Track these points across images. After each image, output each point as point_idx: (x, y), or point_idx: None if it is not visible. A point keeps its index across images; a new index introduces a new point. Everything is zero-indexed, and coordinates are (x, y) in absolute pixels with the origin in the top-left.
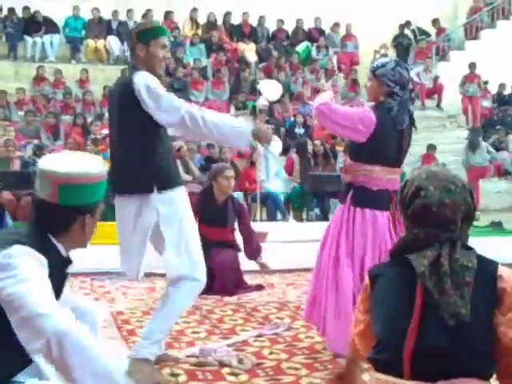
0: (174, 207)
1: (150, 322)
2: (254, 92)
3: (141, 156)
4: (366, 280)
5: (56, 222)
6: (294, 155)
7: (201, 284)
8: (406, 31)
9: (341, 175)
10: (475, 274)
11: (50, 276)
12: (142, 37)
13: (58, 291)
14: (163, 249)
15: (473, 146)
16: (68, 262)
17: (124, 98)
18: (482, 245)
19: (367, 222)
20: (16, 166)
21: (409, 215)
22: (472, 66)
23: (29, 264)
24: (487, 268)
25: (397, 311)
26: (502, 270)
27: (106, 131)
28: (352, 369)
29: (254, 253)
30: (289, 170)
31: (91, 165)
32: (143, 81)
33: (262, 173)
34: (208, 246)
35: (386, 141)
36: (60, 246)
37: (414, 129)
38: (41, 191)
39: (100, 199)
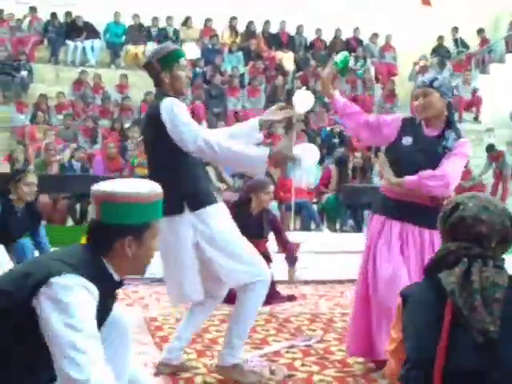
0: (212, 223)
1: (227, 330)
2: (291, 101)
3: (170, 178)
4: (399, 300)
5: (99, 240)
6: (331, 167)
7: (266, 280)
8: (448, 41)
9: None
10: (507, 290)
11: (100, 302)
12: (165, 64)
13: (105, 314)
14: (215, 270)
15: None
16: (120, 285)
17: (152, 123)
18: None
19: (403, 236)
20: (54, 169)
21: (446, 230)
22: None
23: (84, 303)
24: None
25: (426, 329)
26: None
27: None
28: None
29: (292, 260)
30: (325, 181)
31: (135, 186)
32: (168, 108)
33: (298, 182)
34: None
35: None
36: (112, 270)
37: None
38: (91, 212)
39: (147, 222)
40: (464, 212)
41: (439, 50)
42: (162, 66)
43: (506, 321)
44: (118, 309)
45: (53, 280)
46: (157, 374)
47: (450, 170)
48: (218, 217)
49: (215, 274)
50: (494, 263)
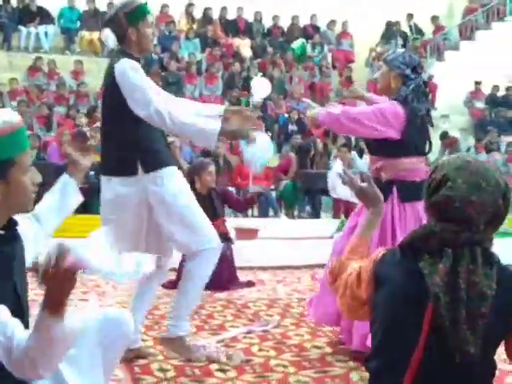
0: (165, 186)
1: (175, 301)
2: (248, 88)
3: (124, 139)
4: (371, 269)
5: None
6: (291, 155)
7: (216, 250)
8: (404, 26)
9: (372, 175)
10: (493, 300)
11: None
12: (132, 19)
13: (11, 269)
14: (166, 234)
15: None
16: (8, 229)
17: (107, 84)
18: None
19: (420, 215)
20: None
21: (430, 205)
22: None
23: None
24: (507, 287)
25: (403, 332)
26: None
27: (99, 124)
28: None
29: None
30: (284, 169)
31: None
32: (124, 68)
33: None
34: None
35: (415, 130)
36: None
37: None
38: None
39: (9, 158)
40: (451, 191)
41: (389, 35)
42: (129, 21)
43: (487, 335)
44: (118, 311)
45: None
46: None
47: (356, 110)
48: (173, 181)
49: (165, 239)
50: (482, 251)
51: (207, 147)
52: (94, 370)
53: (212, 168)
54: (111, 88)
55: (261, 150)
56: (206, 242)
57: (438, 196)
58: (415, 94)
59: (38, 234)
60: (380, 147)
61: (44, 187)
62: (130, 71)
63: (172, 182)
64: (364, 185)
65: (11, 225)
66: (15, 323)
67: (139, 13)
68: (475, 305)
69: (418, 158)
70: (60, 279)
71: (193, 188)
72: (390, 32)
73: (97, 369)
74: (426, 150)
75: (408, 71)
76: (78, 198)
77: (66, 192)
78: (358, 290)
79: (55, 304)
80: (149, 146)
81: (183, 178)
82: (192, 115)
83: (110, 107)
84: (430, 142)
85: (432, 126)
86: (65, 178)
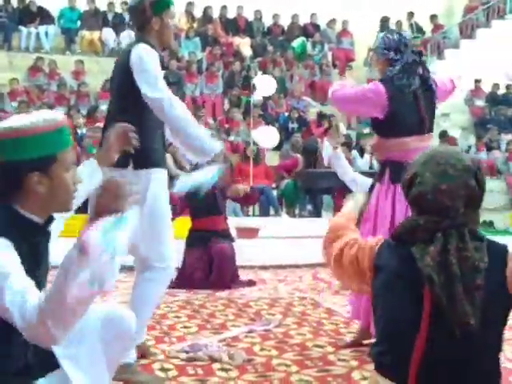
0: (149, 186)
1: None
2: (248, 86)
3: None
4: (371, 260)
5: (4, 186)
6: (298, 156)
7: (170, 273)
8: (405, 25)
9: (373, 154)
10: (487, 273)
11: (27, 248)
12: (158, 8)
13: (39, 257)
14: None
15: None
16: (45, 226)
17: (120, 67)
18: None
19: None
20: None
21: (409, 201)
22: None
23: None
24: (497, 260)
25: (403, 313)
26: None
27: (100, 124)
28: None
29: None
30: (289, 169)
31: (30, 118)
32: (141, 52)
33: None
34: (205, 238)
35: (403, 109)
36: (30, 214)
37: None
38: None
39: (51, 154)
40: (421, 186)
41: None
42: (154, 10)
43: (486, 307)
44: (120, 307)
45: None
46: None
47: (341, 92)
48: (158, 184)
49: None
50: (469, 230)
51: (196, 160)
52: (96, 366)
53: None
54: (122, 71)
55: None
56: (164, 259)
57: (411, 193)
58: (404, 72)
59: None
60: (373, 126)
61: None
62: (146, 56)
63: (156, 186)
64: None
65: (49, 220)
66: (31, 288)
67: (164, 2)
68: (470, 278)
69: (411, 138)
70: (114, 190)
71: None
72: (386, 28)
73: (99, 365)
74: (424, 128)
75: (391, 54)
76: (99, 178)
77: (92, 174)
78: (358, 266)
79: (98, 213)
80: (145, 142)
81: (166, 186)
82: (199, 126)
83: (118, 92)
84: (431, 120)
85: (434, 102)
86: (91, 163)
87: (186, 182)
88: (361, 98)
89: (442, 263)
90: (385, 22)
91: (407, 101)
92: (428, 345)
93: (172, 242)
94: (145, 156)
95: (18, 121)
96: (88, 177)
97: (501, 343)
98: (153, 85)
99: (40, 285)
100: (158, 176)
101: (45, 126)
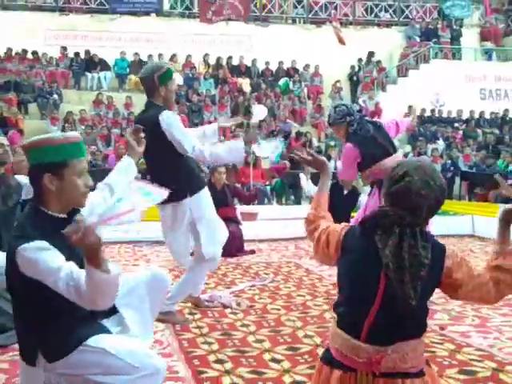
0: (203, 205)
1: (174, 289)
2: (248, 114)
3: (171, 172)
4: (338, 241)
5: (33, 185)
6: (287, 162)
7: (217, 262)
8: (364, 67)
9: (362, 180)
10: (428, 269)
11: (56, 240)
12: (163, 80)
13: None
14: (196, 238)
15: None
16: (67, 220)
17: (152, 130)
18: None
19: None
20: None
21: (390, 192)
22: None
23: (43, 255)
24: (437, 256)
25: (363, 287)
26: (448, 255)
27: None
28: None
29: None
30: (280, 171)
31: (55, 134)
32: (168, 120)
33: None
34: None
35: (372, 146)
36: (50, 211)
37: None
38: None
39: (63, 160)
40: (410, 184)
41: (353, 76)
42: (160, 81)
43: (424, 290)
44: (160, 269)
45: (17, 255)
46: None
47: (341, 166)
48: (206, 200)
49: (196, 242)
50: (420, 230)
51: (238, 161)
52: (144, 311)
53: (221, 169)
54: (155, 132)
55: (272, 147)
56: (215, 253)
57: (398, 186)
58: (362, 125)
59: (107, 198)
60: (359, 168)
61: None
62: (174, 123)
63: (205, 202)
64: (309, 157)
65: (72, 213)
66: (76, 269)
67: (168, 74)
68: (416, 270)
69: (387, 159)
70: (85, 240)
71: (211, 184)
72: (351, 74)
73: (146, 311)
74: (392, 149)
75: (348, 118)
76: (135, 171)
77: (128, 167)
78: (328, 249)
79: (90, 258)
80: (191, 174)
81: (210, 196)
82: (220, 145)
83: (155, 147)
84: (391, 144)
85: (387, 133)
86: (126, 158)
87: (266, 147)
88: (347, 162)
89: (396, 255)
90: (355, 68)
91: (372, 140)
92: (380, 311)
93: (220, 238)
94: (195, 184)
95: (45, 136)
96: (125, 169)
97: (427, 310)
98: (186, 145)
99: (82, 264)
100: (205, 193)
101: (61, 140)
